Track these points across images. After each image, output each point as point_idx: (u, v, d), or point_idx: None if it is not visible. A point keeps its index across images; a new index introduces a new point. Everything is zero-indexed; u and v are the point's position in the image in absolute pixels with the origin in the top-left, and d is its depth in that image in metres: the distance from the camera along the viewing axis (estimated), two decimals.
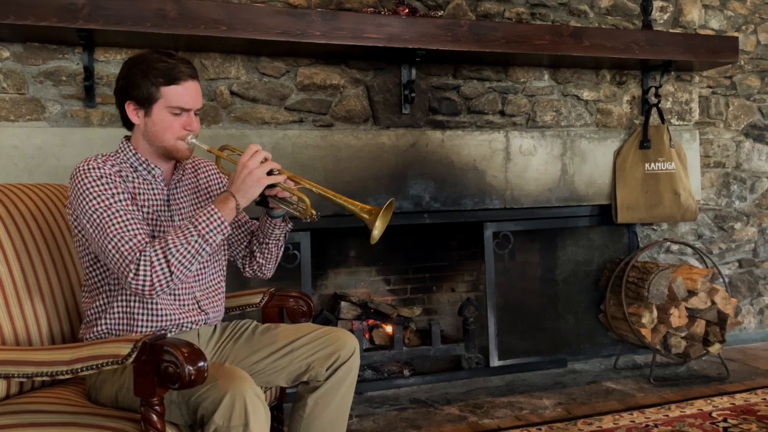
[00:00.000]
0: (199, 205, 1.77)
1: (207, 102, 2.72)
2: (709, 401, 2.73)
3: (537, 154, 3.20)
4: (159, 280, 1.49)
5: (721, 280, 3.30)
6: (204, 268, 1.73)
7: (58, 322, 1.77)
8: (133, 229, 1.52)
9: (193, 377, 1.31)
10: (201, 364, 1.32)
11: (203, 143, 1.68)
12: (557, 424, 2.51)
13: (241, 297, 2.02)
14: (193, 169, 1.82)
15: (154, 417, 1.34)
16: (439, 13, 2.99)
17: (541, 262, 3.38)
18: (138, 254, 1.48)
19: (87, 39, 2.46)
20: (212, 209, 1.55)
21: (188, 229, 1.52)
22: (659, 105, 3.35)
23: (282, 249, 1.85)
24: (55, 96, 2.55)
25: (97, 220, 1.52)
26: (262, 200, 1.68)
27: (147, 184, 1.67)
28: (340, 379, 1.72)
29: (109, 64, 2.61)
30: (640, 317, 3.05)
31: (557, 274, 3.38)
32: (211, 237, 1.53)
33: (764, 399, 2.74)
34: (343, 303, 3.11)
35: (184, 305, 1.67)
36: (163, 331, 1.62)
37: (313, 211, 1.67)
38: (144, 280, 1.48)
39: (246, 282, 2.62)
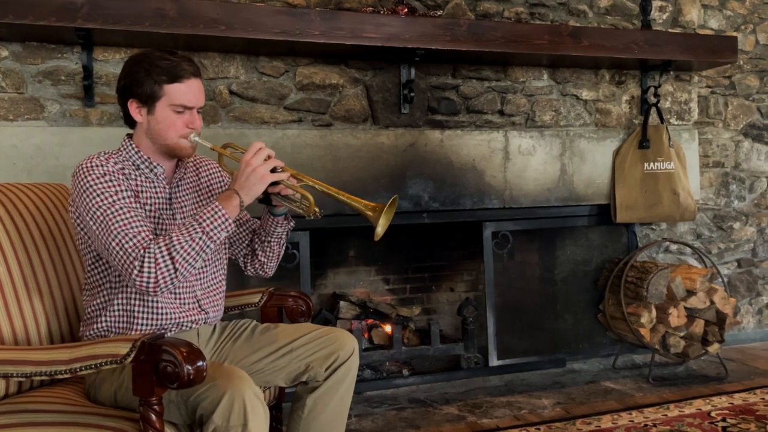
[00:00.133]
0: (200, 204, 1.77)
1: (206, 101, 2.70)
2: (707, 401, 2.73)
3: (536, 153, 3.20)
4: (163, 277, 1.49)
5: (719, 279, 3.30)
6: (205, 266, 1.73)
7: (57, 322, 1.76)
8: (136, 226, 1.52)
9: (191, 377, 1.31)
10: (200, 363, 1.32)
11: (206, 141, 1.68)
12: (556, 424, 2.51)
13: (240, 296, 2.02)
14: (194, 168, 1.82)
15: (153, 416, 1.34)
16: (438, 13, 2.98)
17: (540, 261, 3.38)
18: (142, 251, 1.48)
19: (86, 38, 2.46)
20: (216, 206, 1.55)
21: (192, 226, 1.52)
22: (658, 105, 3.35)
23: (284, 247, 1.86)
24: (54, 95, 2.55)
25: (101, 218, 1.51)
26: (265, 198, 1.68)
27: (149, 183, 1.67)
28: (339, 380, 1.72)
29: (108, 64, 2.61)
30: (638, 317, 3.05)
31: (556, 274, 3.38)
32: (215, 234, 1.53)
33: (763, 399, 2.74)
34: (342, 303, 3.11)
35: (184, 304, 1.67)
36: (162, 330, 1.62)
37: (317, 209, 1.67)
38: (148, 277, 1.48)
39: (245, 281, 2.62)
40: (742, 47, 3.71)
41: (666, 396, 2.83)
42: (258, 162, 1.58)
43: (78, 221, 1.61)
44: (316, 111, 2.89)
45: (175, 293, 1.65)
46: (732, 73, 3.72)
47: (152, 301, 1.61)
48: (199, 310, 1.70)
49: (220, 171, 1.87)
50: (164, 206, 1.68)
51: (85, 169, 1.56)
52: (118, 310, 1.61)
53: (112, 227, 1.50)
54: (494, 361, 3.19)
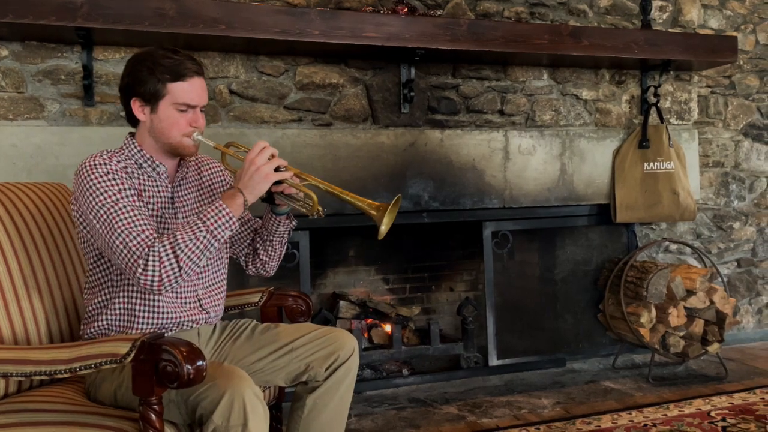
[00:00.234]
0: (202, 202, 1.77)
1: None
2: (707, 401, 2.73)
3: (536, 153, 3.20)
4: (168, 276, 1.49)
5: (719, 279, 3.30)
6: (207, 265, 1.73)
7: (56, 322, 1.76)
8: (140, 225, 1.51)
9: (191, 376, 1.31)
10: (199, 363, 1.32)
11: (209, 140, 1.68)
12: (556, 424, 2.51)
13: (239, 296, 2.02)
14: (196, 166, 1.82)
15: (153, 416, 1.34)
16: (438, 13, 2.98)
17: (540, 261, 3.38)
18: (146, 249, 1.48)
19: (86, 38, 2.46)
20: (220, 205, 1.55)
21: (196, 224, 1.52)
22: (658, 104, 3.35)
23: (285, 246, 1.85)
24: (53, 95, 2.55)
25: (104, 216, 1.51)
26: (268, 197, 1.68)
27: (152, 181, 1.67)
28: (339, 380, 1.72)
29: (108, 63, 2.61)
30: (638, 317, 3.05)
31: (556, 274, 3.38)
32: (219, 232, 1.53)
33: (762, 398, 2.74)
34: (341, 302, 3.11)
35: (185, 303, 1.67)
36: (163, 330, 1.62)
37: (320, 208, 1.67)
38: (153, 276, 1.48)
39: (245, 281, 2.62)
40: (742, 47, 3.71)
41: (666, 396, 2.83)
42: (262, 161, 1.58)
43: (80, 219, 1.61)
44: (316, 110, 2.89)
45: (176, 292, 1.65)
46: (732, 73, 3.72)
47: (153, 300, 1.61)
48: (200, 309, 1.70)
49: (221, 170, 1.87)
50: (166, 205, 1.68)
51: (88, 168, 1.56)
52: (119, 308, 1.61)
53: (116, 225, 1.50)
54: (494, 361, 3.19)
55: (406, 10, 2.84)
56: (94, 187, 1.53)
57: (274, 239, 1.80)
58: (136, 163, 1.66)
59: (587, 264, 3.42)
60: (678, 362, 3.23)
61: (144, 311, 1.61)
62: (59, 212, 1.90)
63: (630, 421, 2.52)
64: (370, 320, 3.15)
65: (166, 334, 1.47)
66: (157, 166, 1.67)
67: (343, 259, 3.29)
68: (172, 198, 1.70)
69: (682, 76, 3.56)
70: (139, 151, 1.66)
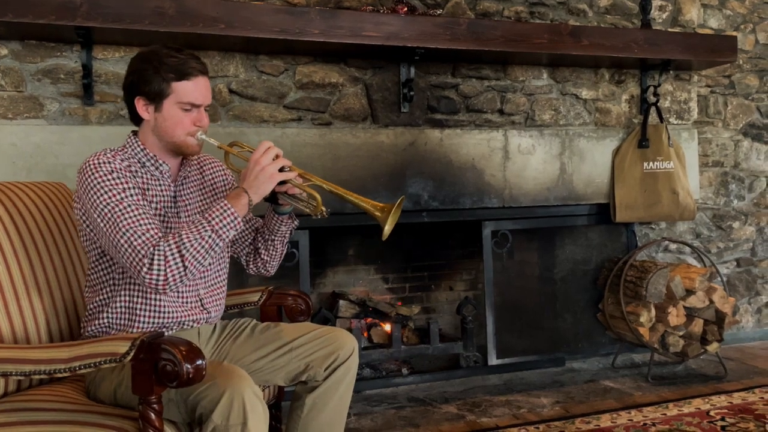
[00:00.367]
0: (205, 202, 1.77)
1: None
2: (706, 400, 2.73)
3: (536, 153, 3.20)
4: (173, 275, 1.49)
5: (719, 279, 3.31)
6: (209, 265, 1.73)
7: (56, 321, 1.76)
8: (145, 224, 1.51)
9: (191, 375, 1.31)
10: (199, 362, 1.32)
11: (213, 139, 1.68)
12: (555, 423, 2.51)
13: (239, 295, 2.02)
14: (198, 166, 1.82)
15: (152, 415, 1.34)
16: (438, 12, 2.98)
17: (540, 261, 3.38)
18: (152, 248, 1.48)
19: (85, 37, 2.45)
20: (225, 204, 1.55)
21: (201, 224, 1.52)
22: (658, 104, 3.35)
23: (287, 246, 1.86)
24: (53, 94, 2.55)
25: (109, 215, 1.51)
26: (271, 196, 1.68)
27: (155, 180, 1.67)
28: (339, 379, 1.72)
29: (108, 62, 2.61)
30: (638, 316, 3.05)
31: (555, 273, 3.38)
32: (224, 232, 1.53)
33: (762, 398, 2.74)
34: (341, 301, 3.11)
35: (187, 302, 1.67)
36: (163, 329, 1.62)
37: (323, 208, 1.67)
38: (158, 275, 1.48)
39: (244, 280, 2.62)
40: (742, 47, 3.71)
41: (665, 395, 2.83)
42: (267, 161, 1.58)
43: (84, 218, 1.61)
44: (316, 110, 2.89)
45: (178, 292, 1.65)
46: (731, 73, 3.72)
47: (155, 300, 1.61)
48: (202, 309, 1.70)
49: (223, 169, 1.87)
50: (169, 204, 1.68)
51: (92, 166, 1.56)
52: (121, 307, 1.61)
53: (121, 224, 1.50)
54: (493, 360, 3.19)
55: (405, 9, 2.84)
56: (98, 186, 1.53)
57: (276, 239, 1.80)
58: (139, 162, 1.66)
59: (587, 263, 3.42)
60: (677, 362, 3.23)
61: (145, 310, 1.61)
62: (59, 211, 1.90)
63: (629, 420, 2.52)
64: (369, 319, 3.15)
65: (166, 333, 1.47)
66: (161, 165, 1.67)
67: (342, 258, 3.29)
68: (175, 197, 1.70)
69: (681, 76, 3.56)
70: (142, 150, 1.66)
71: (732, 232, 3.75)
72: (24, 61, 2.51)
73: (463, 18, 3.02)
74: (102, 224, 1.52)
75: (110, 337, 1.44)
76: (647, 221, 3.46)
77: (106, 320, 1.62)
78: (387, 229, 1.62)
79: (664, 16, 3.56)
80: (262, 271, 1.87)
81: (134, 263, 1.49)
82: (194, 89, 1.61)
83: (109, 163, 1.57)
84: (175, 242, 1.49)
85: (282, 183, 1.62)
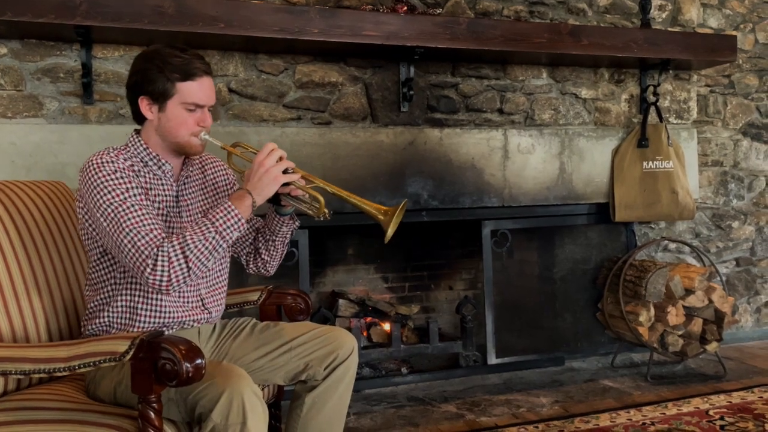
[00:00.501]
0: (207, 201, 1.77)
1: None
2: (705, 399, 2.74)
3: (535, 152, 3.20)
4: (176, 276, 1.49)
5: (718, 278, 3.31)
6: (212, 266, 1.72)
7: (56, 320, 1.76)
8: (149, 224, 1.51)
9: (190, 375, 1.31)
10: (198, 361, 1.32)
11: (216, 139, 1.67)
12: (554, 422, 2.51)
13: (239, 294, 2.02)
14: (200, 165, 1.81)
15: (152, 414, 1.34)
16: (438, 11, 2.98)
17: (539, 260, 3.38)
18: (155, 249, 1.48)
19: (85, 36, 2.45)
20: (229, 206, 1.55)
21: (205, 225, 1.52)
22: (657, 103, 3.35)
23: (287, 246, 1.85)
24: (52, 93, 2.54)
25: (112, 214, 1.51)
26: (274, 198, 1.68)
27: (157, 180, 1.66)
28: (338, 379, 1.72)
29: (107, 61, 2.60)
30: (637, 315, 3.05)
31: (555, 273, 3.38)
32: (228, 234, 1.53)
33: (761, 397, 2.75)
34: (341, 301, 3.11)
35: (188, 302, 1.66)
36: (164, 329, 1.62)
37: (326, 210, 1.67)
38: (162, 275, 1.48)
39: (244, 279, 2.62)
40: (742, 46, 3.71)
41: (664, 394, 2.83)
42: (271, 163, 1.58)
43: (86, 217, 1.60)
44: (316, 109, 2.89)
45: (180, 292, 1.64)
46: (731, 72, 3.72)
47: (156, 300, 1.61)
48: (203, 308, 1.70)
49: (225, 168, 1.87)
50: (171, 204, 1.68)
51: (95, 165, 1.55)
52: (121, 306, 1.61)
53: (124, 225, 1.50)
54: (493, 360, 3.19)
55: (405, 8, 2.84)
56: (101, 185, 1.53)
57: (277, 239, 1.80)
58: (141, 161, 1.65)
59: (586, 263, 3.42)
60: (676, 361, 3.23)
61: (146, 310, 1.61)
62: (58, 210, 1.90)
63: (628, 419, 2.53)
64: (369, 319, 3.15)
65: (166, 332, 1.47)
66: (163, 164, 1.67)
67: (342, 257, 3.29)
68: (177, 197, 1.70)
69: (681, 75, 3.56)
70: (145, 149, 1.66)
71: (731, 231, 3.75)
72: (23, 60, 2.51)
73: (463, 17, 3.02)
74: (105, 224, 1.52)
75: (110, 336, 1.44)
76: (646, 221, 3.46)
77: (106, 319, 1.62)
78: (390, 232, 1.62)
79: (663, 15, 3.56)
80: (262, 271, 1.87)
81: (138, 264, 1.49)
82: (199, 90, 1.61)
83: (113, 162, 1.56)
84: (179, 243, 1.49)
85: (285, 185, 1.62)
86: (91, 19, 2.32)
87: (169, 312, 1.63)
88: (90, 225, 1.61)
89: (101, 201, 1.52)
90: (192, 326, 1.69)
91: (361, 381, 2.93)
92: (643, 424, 2.47)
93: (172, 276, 1.48)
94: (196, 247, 1.50)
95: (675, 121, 3.55)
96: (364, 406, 2.76)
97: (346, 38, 2.65)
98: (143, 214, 1.52)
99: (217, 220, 1.53)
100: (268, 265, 1.85)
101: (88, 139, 2.50)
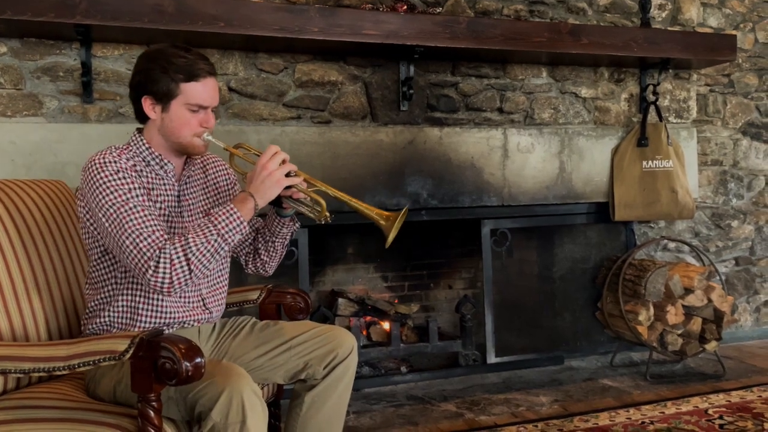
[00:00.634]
0: (208, 201, 1.77)
1: None
2: (705, 398, 2.74)
3: (535, 151, 3.20)
4: (178, 278, 1.49)
5: (717, 277, 3.31)
6: (213, 268, 1.72)
7: (55, 318, 1.76)
8: (151, 225, 1.51)
9: (190, 373, 1.31)
10: (198, 360, 1.33)
11: (219, 140, 1.67)
12: (553, 421, 2.51)
13: (238, 293, 2.02)
14: (202, 165, 1.81)
15: (152, 413, 1.34)
16: (438, 10, 2.98)
17: (539, 259, 3.38)
18: (158, 251, 1.48)
19: (84, 34, 2.45)
20: (231, 209, 1.55)
21: (207, 227, 1.52)
22: (657, 103, 3.35)
23: (287, 247, 1.85)
24: (52, 92, 2.54)
25: (114, 215, 1.50)
26: (275, 200, 1.69)
27: (159, 179, 1.66)
28: (338, 378, 1.72)
29: (107, 60, 2.60)
30: (636, 315, 3.05)
31: (554, 272, 3.38)
32: (230, 236, 1.53)
33: (760, 396, 2.75)
34: (340, 300, 3.11)
35: (189, 302, 1.67)
36: (164, 328, 1.62)
37: (327, 213, 1.67)
38: (164, 277, 1.48)
39: (243, 278, 2.62)
40: (741, 45, 3.71)
41: (663, 393, 2.83)
42: (274, 166, 1.58)
43: (87, 216, 1.60)
44: (315, 108, 2.89)
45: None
46: (731, 72, 3.72)
47: (157, 300, 1.61)
48: (204, 309, 1.70)
49: (226, 168, 1.87)
50: (173, 204, 1.68)
51: (98, 165, 1.55)
52: (122, 306, 1.61)
53: (126, 226, 1.49)
54: (492, 359, 3.20)
55: (405, 7, 2.84)
56: (104, 185, 1.52)
57: (277, 240, 1.80)
58: (143, 161, 1.65)
59: (585, 262, 3.42)
60: (676, 360, 3.23)
61: (147, 310, 1.61)
62: (58, 209, 1.90)
63: (628, 418, 2.53)
64: (368, 318, 3.15)
65: (166, 331, 1.47)
66: (165, 164, 1.67)
67: (341, 256, 3.29)
68: (179, 196, 1.70)
69: (681, 75, 3.56)
70: (147, 149, 1.65)
71: (731, 230, 3.75)
72: (23, 59, 2.50)
73: (463, 16, 3.01)
74: (107, 224, 1.52)
75: (109, 335, 1.44)
76: (646, 220, 3.46)
77: (107, 319, 1.62)
78: (390, 238, 1.62)
79: (663, 14, 3.55)
80: (261, 271, 1.87)
81: (140, 265, 1.49)
82: (203, 91, 1.61)
83: (115, 162, 1.56)
84: (182, 245, 1.49)
85: (287, 187, 1.63)
86: (90, 17, 2.32)
87: (171, 312, 1.63)
88: (91, 224, 1.60)
89: (103, 201, 1.52)
90: (193, 325, 1.69)
91: (361, 380, 2.94)
92: (643, 423, 2.48)
93: (174, 278, 1.48)
94: (198, 249, 1.50)
95: (675, 121, 3.55)
96: (363, 405, 2.77)
97: (345, 37, 2.65)
98: (145, 216, 1.52)
99: (220, 222, 1.53)
100: (267, 265, 1.85)
101: (87, 138, 2.50)
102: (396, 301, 3.28)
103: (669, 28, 3.51)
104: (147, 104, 1.62)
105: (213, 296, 1.73)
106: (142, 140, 1.66)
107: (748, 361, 3.32)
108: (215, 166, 1.85)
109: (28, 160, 2.45)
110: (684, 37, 3.24)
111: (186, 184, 1.73)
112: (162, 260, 1.47)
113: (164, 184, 1.67)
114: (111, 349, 1.36)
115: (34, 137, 2.46)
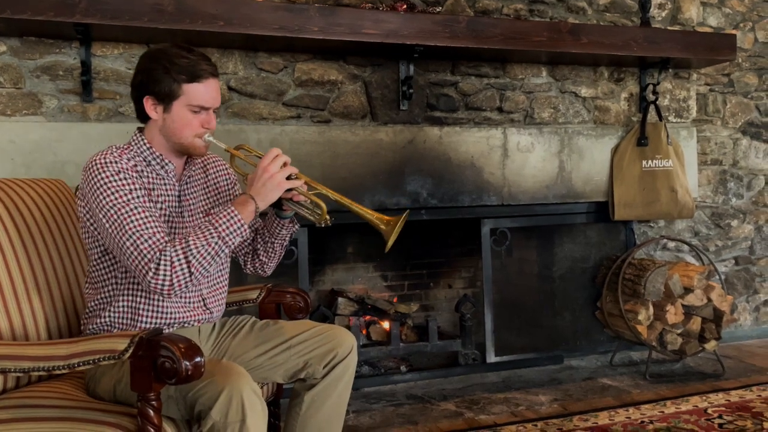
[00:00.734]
0: (209, 202, 1.77)
1: None
2: (704, 398, 2.74)
3: (534, 150, 3.20)
4: (179, 280, 1.49)
5: (717, 277, 3.31)
6: (214, 270, 1.72)
7: (55, 318, 1.76)
8: (151, 227, 1.51)
9: (189, 373, 1.31)
10: (198, 359, 1.33)
11: (220, 141, 1.67)
12: (553, 420, 2.52)
13: (238, 292, 2.02)
14: (202, 165, 1.81)
15: (151, 412, 1.34)
16: (437, 9, 2.98)
17: (538, 258, 3.39)
18: (158, 253, 1.48)
19: (84, 33, 2.45)
20: (232, 211, 1.54)
21: (208, 230, 1.52)
22: (657, 102, 3.35)
23: (286, 248, 1.86)
24: (52, 91, 2.54)
25: (114, 216, 1.50)
26: (276, 202, 1.69)
27: (160, 179, 1.66)
28: (337, 377, 1.72)
29: (107, 59, 2.60)
30: (636, 314, 3.05)
31: (554, 271, 3.38)
32: (230, 239, 1.53)
33: (759, 396, 2.75)
34: (340, 299, 3.11)
35: (190, 303, 1.67)
36: (165, 328, 1.62)
37: (327, 217, 1.67)
38: (164, 280, 1.48)
39: (243, 277, 2.62)
40: (741, 45, 3.71)
41: (663, 393, 2.83)
42: (275, 169, 1.58)
43: (88, 216, 1.60)
44: (315, 107, 2.89)
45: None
46: (731, 71, 3.72)
47: (157, 300, 1.61)
48: (204, 309, 1.70)
49: (227, 169, 1.87)
50: (174, 204, 1.68)
51: (98, 165, 1.54)
52: (123, 306, 1.61)
53: (127, 227, 1.49)
54: (492, 358, 3.20)
55: (405, 6, 2.84)
56: (104, 186, 1.52)
57: (276, 241, 1.80)
58: (144, 161, 1.65)
59: (585, 261, 3.42)
60: (675, 359, 3.23)
61: (148, 311, 1.61)
62: (58, 208, 1.90)
63: (627, 418, 2.53)
64: (368, 317, 3.15)
65: (166, 331, 1.47)
66: (166, 164, 1.67)
67: (341, 256, 3.29)
68: (179, 197, 1.70)
69: (680, 74, 3.56)
70: (148, 149, 1.65)
71: (730, 230, 3.75)
72: (23, 58, 2.50)
73: (463, 16, 3.01)
74: (108, 225, 1.51)
75: (109, 335, 1.44)
76: (646, 219, 3.46)
77: (107, 319, 1.62)
78: (390, 242, 1.62)
79: (663, 14, 3.55)
80: (259, 271, 1.87)
81: (140, 267, 1.48)
82: (205, 92, 1.61)
83: (116, 162, 1.56)
84: (182, 248, 1.49)
85: (288, 190, 1.62)
86: (90, 16, 2.32)
87: (171, 312, 1.63)
88: (91, 225, 1.60)
89: (104, 202, 1.51)
90: (193, 325, 1.69)
91: (361, 379, 2.94)
92: (642, 422, 2.48)
93: (174, 280, 1.48)
94: (198, 252, 1.49)
95: (674, 120, 3.55)
96: (363, 404, 2.77)
97: (345, 36, 2.65)
98: (146, 217, 1.52)
99: (220, 225, 1.53)
100: (265, 266, 1.85)
101: (87, 137, 2.50)
102: (396, 301, 3.29)
103: (669, 28, 3.51)
104: (148, 104, 1.62)
105: (213, 296, 1.73)
106: (143, 140, 1.66)
107: (747, 360, 3.32)
108: (216, 167, 1.85)
109: (28, 159, 2.45)
110: (684, 37, 3.24)
111: (187, 184, 1.73)
112: (162, 262, 1.47)
113: (165, 185, 1.67)
114: (111, 348, 1.36)
115: (33, 136, 2.46)
